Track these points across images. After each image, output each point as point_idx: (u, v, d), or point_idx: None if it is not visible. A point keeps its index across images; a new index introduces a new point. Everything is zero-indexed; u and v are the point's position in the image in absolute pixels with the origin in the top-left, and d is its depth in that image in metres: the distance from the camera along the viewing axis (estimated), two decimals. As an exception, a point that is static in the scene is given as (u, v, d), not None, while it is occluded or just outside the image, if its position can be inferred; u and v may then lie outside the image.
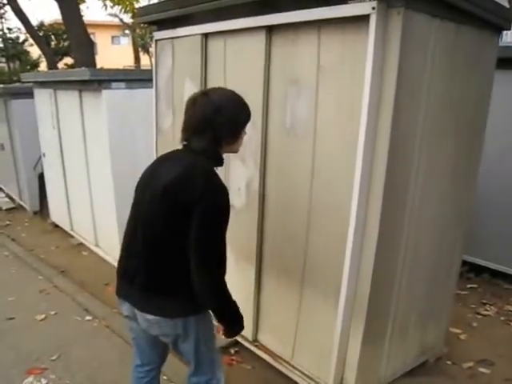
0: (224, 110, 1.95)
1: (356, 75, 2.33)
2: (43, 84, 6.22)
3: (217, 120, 1.93)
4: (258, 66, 2.89)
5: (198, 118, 1.96)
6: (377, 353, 2.87)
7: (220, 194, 1.91)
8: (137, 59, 26.80)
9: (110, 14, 25.49)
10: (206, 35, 3.23)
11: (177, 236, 1.90)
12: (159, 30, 3.64)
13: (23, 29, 23.77)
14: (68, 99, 5.61)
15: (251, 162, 3.10)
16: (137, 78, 4.92)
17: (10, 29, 23.95)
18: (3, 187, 9.43)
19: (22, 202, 8.37)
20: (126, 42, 32.81)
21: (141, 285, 2.00)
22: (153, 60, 3.87)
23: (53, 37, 21.58)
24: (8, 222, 7.79)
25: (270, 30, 2.81)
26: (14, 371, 3.46)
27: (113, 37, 34.03)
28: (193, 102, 2.00)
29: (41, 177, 7.51)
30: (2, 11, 22.16)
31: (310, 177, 2.73)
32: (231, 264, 3.43)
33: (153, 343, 2.27)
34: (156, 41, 3.69)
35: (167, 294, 1.98)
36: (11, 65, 23.54)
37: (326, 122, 2.60)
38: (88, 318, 4.22)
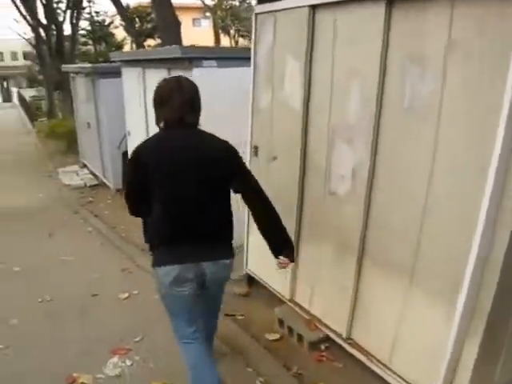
0: (198, 89, 2.42)
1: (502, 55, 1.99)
2: (132, 63, 6.21)
3: (199, 97, 2.42)
4: (375, 42, 2.59)
5: (191, 98, 2.36)
6: (493, 357, 2.53)
7: (231, 145, 2.47)
8: (217, 41, 26.84)
9: (193, -4, 25.73)
10: (313, 7, 2.97)
11: (224, 189, 2.44)
12: (260, 2, 3.42)
13: (109, 12, 24.83)
14: (156, 77, 5.50)
15: (361, 144, 2.81)
16: (229, 56, 4.75)
17: (97, 12, 24.74)
18: (88, 164, 9.69)
19: (105, 180, 8.55)
20: (206, 25, 33.06)
21: (209, 239, 2.41)
22: (252, 36, 3.66)
23: (137, 19, 22.06)
24: (91, 199, 7.97)
25: (391, 2, 2.50)
26: (98, 349, 3.43)
27: (194, 19, 34.36)
28: (179, 84, 2.36)
29: (125, 155, 7.57)
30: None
31: (431, 162, 2.40)
32: (328, 253, 3.30)
33: (197, 302, 2.51)
34: (256, 15, 3.48)
35: (227, 239, 2.51)
36: (97, 47, 24.34)
37: (453, 106, 2.28)
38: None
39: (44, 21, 17.36)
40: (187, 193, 2.32)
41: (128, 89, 6.63)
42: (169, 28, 7.77)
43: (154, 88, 2.42)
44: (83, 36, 23.82)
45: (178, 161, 2.31)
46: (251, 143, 3.81)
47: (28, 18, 18.25)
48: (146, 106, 5.97)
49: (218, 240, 2.46)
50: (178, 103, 2.31)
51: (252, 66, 3.61)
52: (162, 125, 2.41)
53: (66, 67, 10.45)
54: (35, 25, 18.25)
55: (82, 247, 5.55)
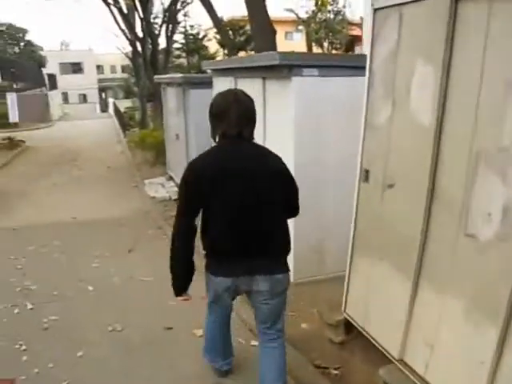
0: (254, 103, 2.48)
1: None
2: (224, 72, 5.82)
3: (255, 111, 2.47)
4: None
5: (250, 111, 2.43)
6: None
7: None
8: (310, 54, 26.46)
9: (287, 9, 25.53)
10: (457, -3, 2.31)
11: (279, 205, 2.47)
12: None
13: (203, 26, 25.28)
14: (249, 87, 5.08)
15: (520, 177, 2.10)
16: (333, 64, 4.17)
17: (191, 26, 25.28)
18: (174, 177, 9.47)
19: (189, 194, 8.23)
20: (298, 38, 32.77)
21: (269, 253, 2.47)
22: (366, 37, 3.04)
23: (230, 32, 22.20)
24: (173, 214, 7.66)
25: None
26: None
27: (286, 32, 34.21)
28: (237, 99, 2.39)
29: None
30: (187, 9, 23.40)
31: None
32: (457, 310, 2.53)
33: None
34: (375, 10, 2.87)
35: (283, 254, 2.54)
36: (190, 59, 24.81)
37: None
38: (254, 343, 3.55)
39: (141, 34, 17.80)
40: (246, 206, 2.37)
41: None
42: (264, 35, 7.36)
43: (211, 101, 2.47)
44: (177, 49, 24.36)
45: (240, 174, 2.35)
46: (361, 166, 3.16)
47: (126, 32, 18.87)
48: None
49: (273, 254, 2.48)
50: (235, 116, 2.35)
51: (367, 74, 2.99)
52: (217, 138, 2.46)
53: (158, 78, 10.40)
54: (133, 38, 18.81)
55: (161, 267, 5.09)
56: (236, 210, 2.36)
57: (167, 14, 17.83)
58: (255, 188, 2.36)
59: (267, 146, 4.75)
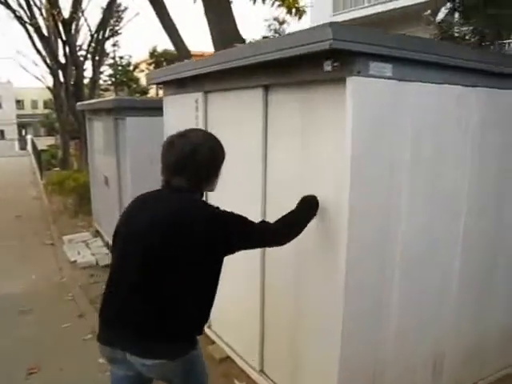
0: (201, 150, 2.01)
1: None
2: (183, 85, 3.82)
3: (195, 159, 2.00)
4: None
5: (176, 158, 2.01)
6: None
7: (217, 216, 2.00)
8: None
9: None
10: None
11: (191, 276, 1.94)
12: None
13: (134, 57, 23.25)
14: (240, 107, 3.17)
15: None
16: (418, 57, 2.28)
17: (121, 57, 23.19)
18: (103, 232, 7.24)
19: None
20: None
21: (137, 330, 1.93)
22: None
23: (164, 63, 20.34)
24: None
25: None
26: None
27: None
28: (170, 144, 2.04)
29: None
30: (116, 39, 21.36)
31: None
32: None
33: None
34: None
35: (169, 338, 1.95)
36: (119, 93, 22.59)
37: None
38: None
39: (63, 60, 15.40)
40: (134, 271, 1.96)
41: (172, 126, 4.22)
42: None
43: None
44: (105, 81, 22.13)
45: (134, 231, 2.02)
46: None
47: (46, 58, 16.46)
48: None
49: (161, 337, 1.94)
50: (163, 162, 2.07)
51: None
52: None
53: (81, 104, 8.22)
54: (54, 66, 16.43)
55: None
56: (120, 267, 2.05)
57: (93, 44, 15.57)
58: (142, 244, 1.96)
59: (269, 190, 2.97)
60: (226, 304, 2.96)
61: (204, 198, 2.16)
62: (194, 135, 2.07)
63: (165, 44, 21.84)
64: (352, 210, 2.23)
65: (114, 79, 22.12)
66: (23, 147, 38.97)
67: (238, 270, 3.08)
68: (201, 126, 3.44)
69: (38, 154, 18.64)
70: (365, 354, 2.51)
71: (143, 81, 22.90)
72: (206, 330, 3.76)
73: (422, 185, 2.52)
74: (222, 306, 2.64)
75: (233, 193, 3.06)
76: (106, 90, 23.17)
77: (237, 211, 2.04)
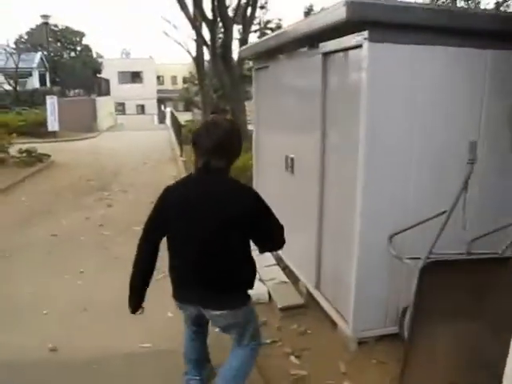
0: (233, 134, 2.29)
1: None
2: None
3: (231, 142, 2.26)
4: None
5: (214, 142, 2.19)
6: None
7: (258, 196, 2.31)
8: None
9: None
10: None
11: (239, 241, 2.27)
12: None
13: (284, 21, 20.29)
14: None
15: None
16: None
17: (268, 21, 20.81)
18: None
19: (318, 296, 3.35)
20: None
21: (208, 287, 2.27)
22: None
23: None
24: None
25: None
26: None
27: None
28: (207, 130, 2.25)
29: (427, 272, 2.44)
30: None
31: None
32: None
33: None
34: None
35: (230, 291, 2.33)
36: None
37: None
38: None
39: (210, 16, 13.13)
40: (196, 240, 2.26)
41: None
42: None
43: None
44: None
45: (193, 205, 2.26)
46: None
47: (190, 13, 14.34)
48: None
49: (224, 289, 2.32)
50: (204, 148, 2.23)
51: None
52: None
53: (246, 49, 5.61)
54: (199, 21, 14.34)
55: None
56: (185, 243, 2.29)
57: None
58: (205, 227, 2.23)
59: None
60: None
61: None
62: (224, 123, 2.32)
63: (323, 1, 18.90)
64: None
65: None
66: (162, 121, 38.92)
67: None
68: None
69: (177, 128, 16.77)
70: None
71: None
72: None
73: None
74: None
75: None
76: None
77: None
